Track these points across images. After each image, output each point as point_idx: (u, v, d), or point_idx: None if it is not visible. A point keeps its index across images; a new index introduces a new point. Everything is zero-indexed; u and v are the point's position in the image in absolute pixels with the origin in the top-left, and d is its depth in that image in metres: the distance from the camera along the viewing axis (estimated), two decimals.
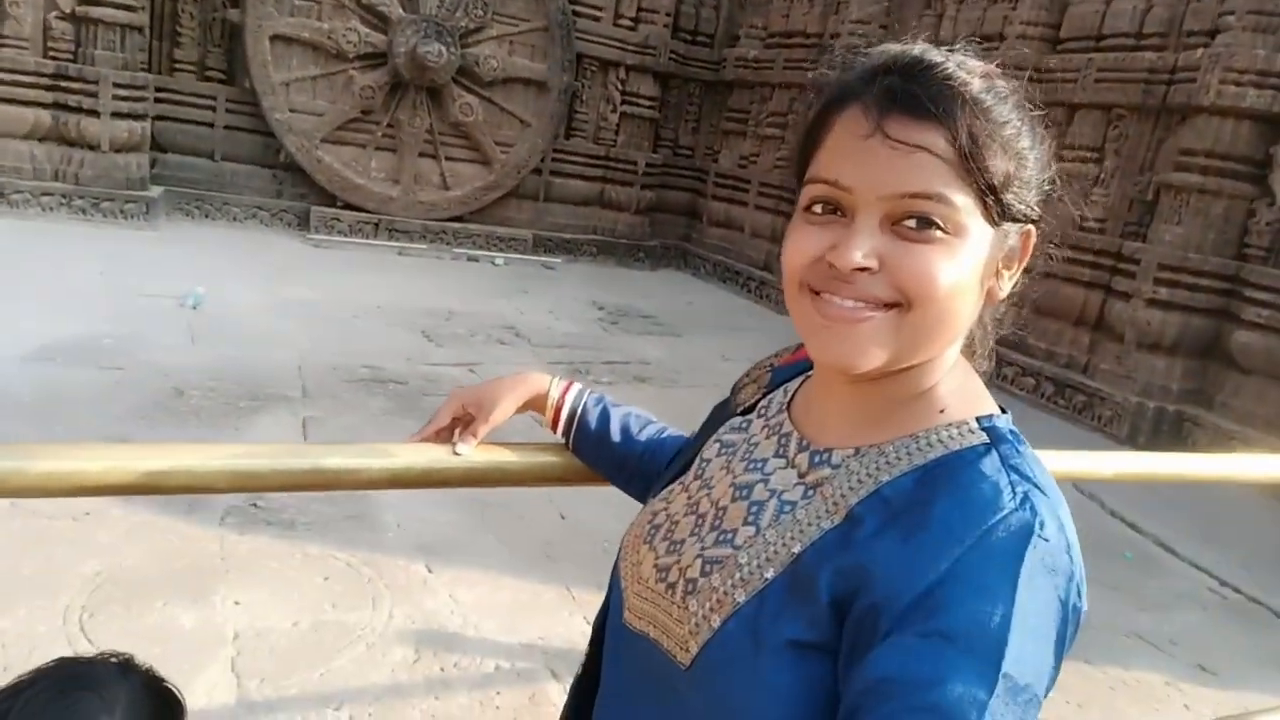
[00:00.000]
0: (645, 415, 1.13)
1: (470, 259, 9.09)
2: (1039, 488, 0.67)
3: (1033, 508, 0.65)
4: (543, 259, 9.47)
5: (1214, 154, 5.74)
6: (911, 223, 0.69)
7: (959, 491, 0.67)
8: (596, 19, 9.40)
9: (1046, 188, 0.74)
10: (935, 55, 0.71)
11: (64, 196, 7.65)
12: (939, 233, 0.69)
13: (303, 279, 7.08)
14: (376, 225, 8.88)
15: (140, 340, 4.98)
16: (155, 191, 8.13)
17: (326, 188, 8.72)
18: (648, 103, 9.85)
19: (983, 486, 0.67)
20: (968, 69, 0.70)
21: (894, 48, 0.72)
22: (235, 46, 8.39)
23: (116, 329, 5.10)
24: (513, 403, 1.10)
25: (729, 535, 0.78)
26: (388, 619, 2.76)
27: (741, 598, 0.72)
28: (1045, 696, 0.64)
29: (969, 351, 0.79)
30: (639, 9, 9.57)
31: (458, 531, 3.36)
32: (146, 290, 5.98)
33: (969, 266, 0.70)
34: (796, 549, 0.72)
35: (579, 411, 1.11)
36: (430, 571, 3.06)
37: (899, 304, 0.70)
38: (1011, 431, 0.73)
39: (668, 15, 9.69)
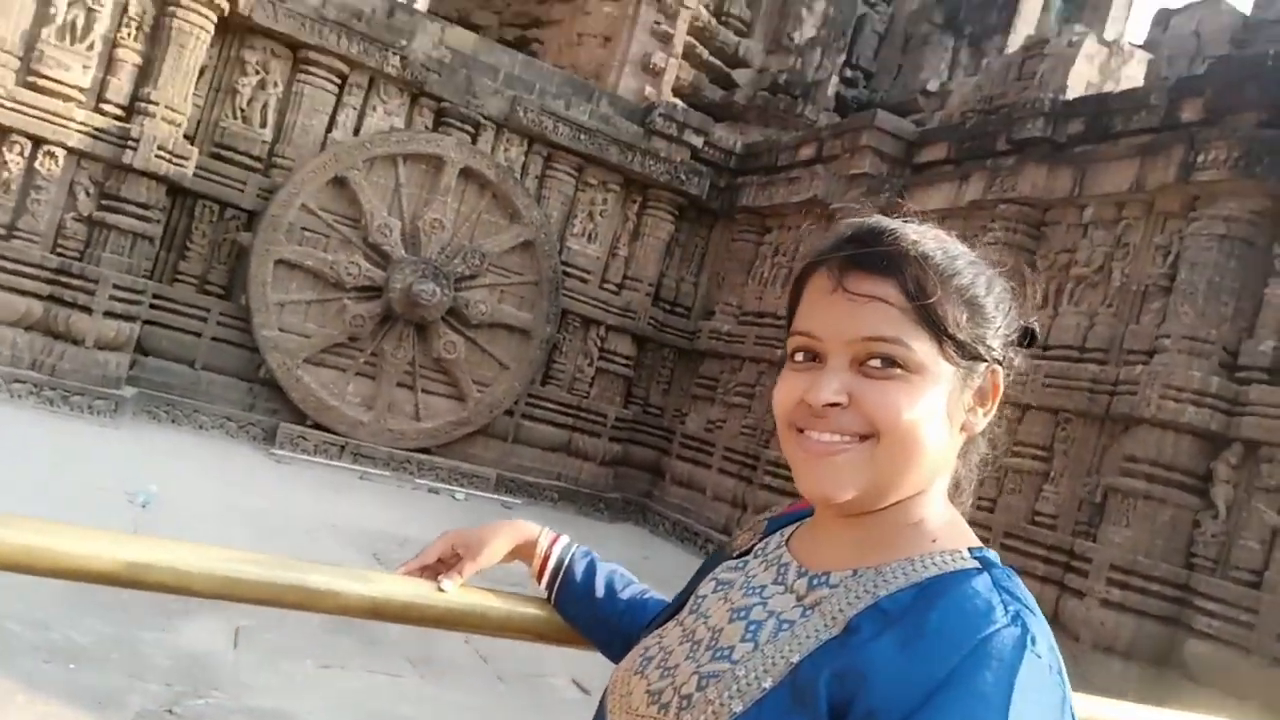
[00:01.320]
0: (629, 575, 1.15)
1: (431, 490, 9.03)
2: (1029, 609, 0.71)
3: (1024, 625, 0.69)
4: (503, 498, 9.42)
5: (1158, 463, 6.02)
6: (876, 362, 0.78)
7: (955, 605, 0.71)
8: (584, 280, 10.04)
9: (1009, 332, 0.84)
10: (889, 223, 0.83)
11: (35, 386, 7.65)
12: (900, 370, 0.77)
13: (259, 490, 6.97)
14: (342, 448, 8.88)
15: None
16: (128, 391, 8.16)
17: (300, 406, 8.81)
18: (624, 361, 10.28)
19: (977, 601, 0.71)
20: (918, 232, 0.82)
21: (855, 220, 0.84)
22: (239, 266, 8.80)
23: (57, 514, 4.91)
24: (502, 546, 1.11)
25: (726, 651, 0.79)
26: None
27: (739, 708, 0.73)
28: None
29: (954, 492, 0.85)
30: (624, 276, 10.27)
31: None
32: (97, 483, 5.84)
33: (930, 401, 0.78)
34: (795, 659, 0.73)
35: (566, 562, 1.12)
36: None
37: (871, 435, 0.77)
38: (1001, 562, 0.77)
39: (650, 285, 10.38)
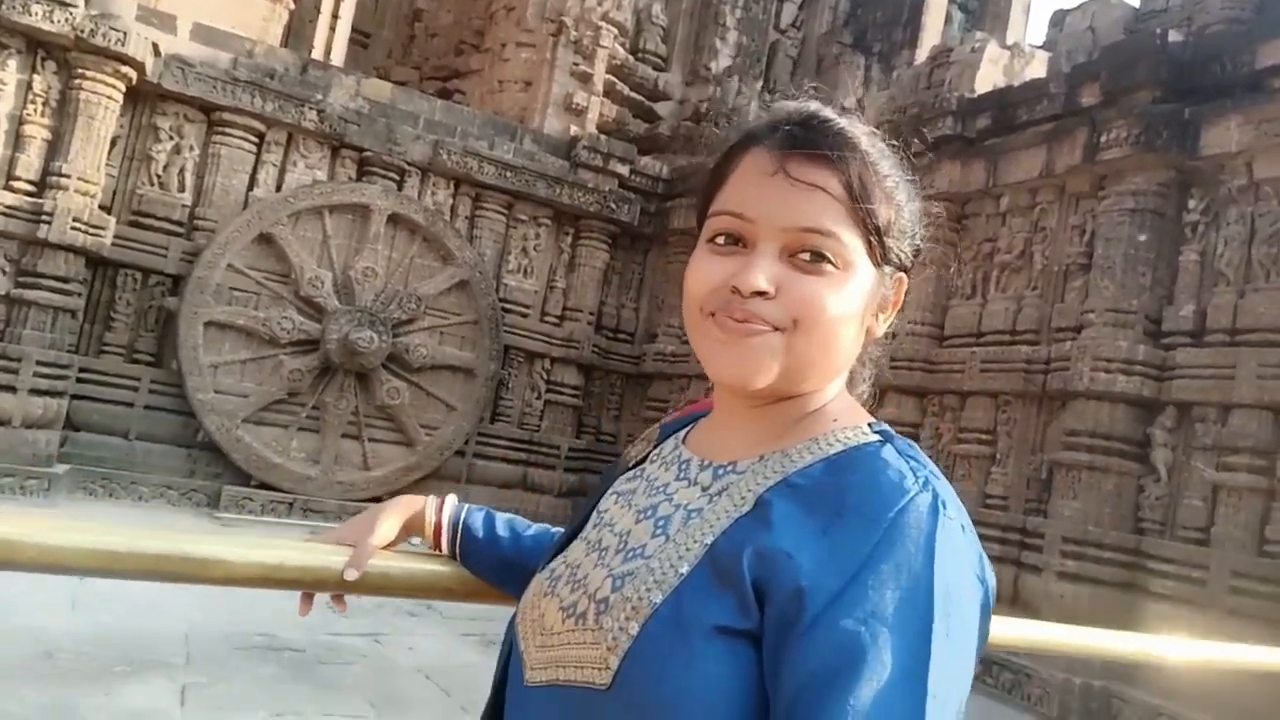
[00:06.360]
0: (529, 521, 1.11)
1: None
2: (934, 474, 0.72)
3: (934, 490, 0.70)
4: None
5: (1097, 434, 6.15)
6: (806, 255, 0.75)
7: (868, 479, 0.71)
8: (524, 315, 10.02)
9: (918, 242, 0.83)
10: (830, 111, 0.81)
11: None
12: (829, 266, 0.75)
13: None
14: (290, 505, 8.68)
15: (13, 603, 4.60)
16: (60, 469, 7.90)
17: (243, 467, 8.60)
18: (571, 391, 10.25)
19: (888, 473, 0.71)
20: (857, 127, 0.80)
21: (793, 104, 0.82)
22: (168, 331, 8.61)
23: None
24: (393, 525, 1.04)
25: (638, 550, 0.77)
26: None
27: (658, 598, 0.71)
28: (978, 655, 0.68)
29: (851, 385, 0.85)
30: (564, 308, 10.27)
31: None
32: None
33: (852, 300, 0.76)
34: (709, 540, 0.72)
35: (460, 518, 1.07)
36: None
37: (788, 328, 0.75)
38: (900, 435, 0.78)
39: (591, 314, 10.39)
